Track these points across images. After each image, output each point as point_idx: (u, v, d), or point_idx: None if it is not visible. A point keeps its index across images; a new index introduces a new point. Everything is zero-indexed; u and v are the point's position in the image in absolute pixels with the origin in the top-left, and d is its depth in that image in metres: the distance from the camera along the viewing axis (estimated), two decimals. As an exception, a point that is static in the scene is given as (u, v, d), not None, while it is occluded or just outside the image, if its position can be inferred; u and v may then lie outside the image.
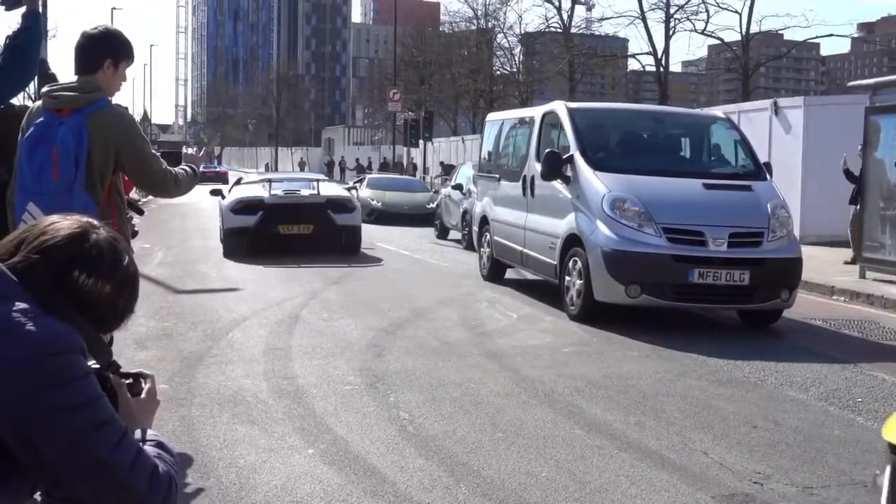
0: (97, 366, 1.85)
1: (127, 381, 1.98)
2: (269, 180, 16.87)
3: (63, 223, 1.90)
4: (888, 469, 2.93)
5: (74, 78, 4.26)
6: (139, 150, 4.14)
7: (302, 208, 15.39)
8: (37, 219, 3.91)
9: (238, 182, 18.77)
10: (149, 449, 1.81)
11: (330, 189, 17.06)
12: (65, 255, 1.84)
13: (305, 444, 5.28)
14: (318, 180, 17.63)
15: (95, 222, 1.95)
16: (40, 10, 3.83)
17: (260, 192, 15.82)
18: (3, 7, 3.82)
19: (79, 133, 4.05)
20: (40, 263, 1.82)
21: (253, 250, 14.74)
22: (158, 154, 4.31)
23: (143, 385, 2.00)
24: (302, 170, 72.10)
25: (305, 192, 15.85)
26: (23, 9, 3.81)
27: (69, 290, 1.83)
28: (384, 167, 46.44)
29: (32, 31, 3.76)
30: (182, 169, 4.35)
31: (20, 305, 1.73)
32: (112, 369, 1.94)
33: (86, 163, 4.04)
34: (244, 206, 15.31)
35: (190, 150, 4.45)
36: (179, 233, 20.79)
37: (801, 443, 5.53)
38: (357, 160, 48.04)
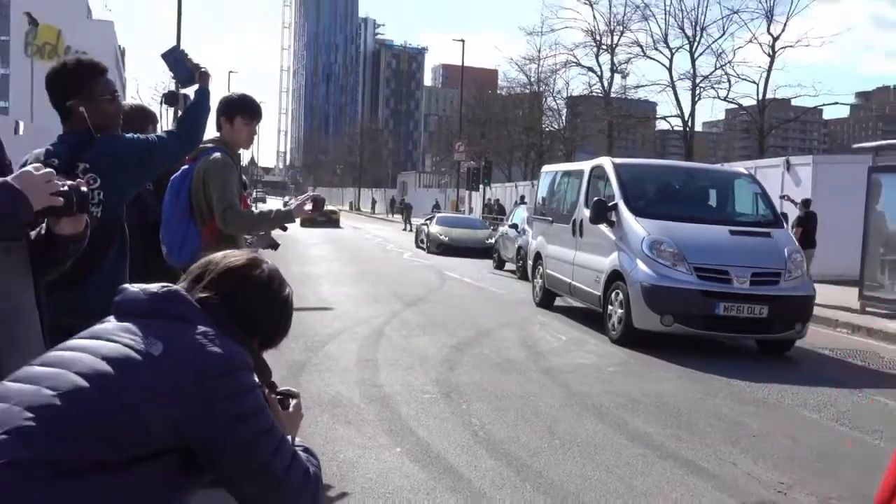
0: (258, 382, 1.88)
1: (279, 398, 2.01)
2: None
3: (239, 256, 1.95)
4: None
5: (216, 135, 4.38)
6: (213, 187, 4.07)
7: None
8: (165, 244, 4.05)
9: None
10: (300, 453, 1.83)
11: None
12: (235, 280, 1.89)
13: (393, 443, 5.28)
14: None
15: (262, 257, 1.99)
16: (209, 88, 3.91)
17: None
18: (178, 83, 3.89)
19: (185, 175, 4.15)
20: (218, 291, 1.86)
21: None
22: (256, 193, 4.31)
23: (290, 401, 2.03)
24: (373, 208, 72.29)
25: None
26: (195, 86, 3.88)
27: (240, 312, 1.86)
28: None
29: (202, 107, 3.82)
30: (281, 210, 4.39)
31: (201, 328, 1.75)
32: (269, 386, 1.97)
33: (186, 198, 4.13)
34: None
35: (293, 201, 4.42)
36: (278, 260, 20.99)
37: (818, 458, 5.41)
38: (436, 202, 48.08)
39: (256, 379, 1.81)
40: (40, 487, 1.55)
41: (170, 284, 1.85)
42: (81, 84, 3.13)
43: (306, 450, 1.88)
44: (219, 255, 1.97)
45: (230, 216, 4.05)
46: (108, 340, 1.74)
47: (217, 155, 4.16)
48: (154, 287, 1.83)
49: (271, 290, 1.95)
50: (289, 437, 1.87)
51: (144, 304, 1.80)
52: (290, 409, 2.01)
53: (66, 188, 2.09)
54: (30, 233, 2.21)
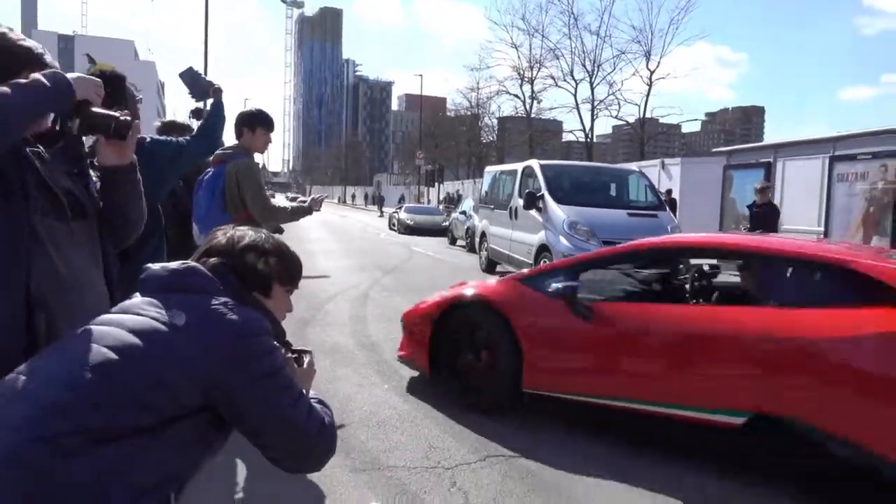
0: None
1: (294, 356, 1.69)
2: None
3: (236, 230, 1.65)
4: None
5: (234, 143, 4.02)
6: (247, 187, 3.77)
7: None
8: (202, 234, 3.68)
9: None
10: (315, 405, 1.53)
11: None
12: (237, 248, 1.58)
13: (382, 381, 4.98)
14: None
15: (255, 228, 1.69)
16: (223, 101, 3.54)
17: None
18: (194, 98, 3.49)
19: (218, 176, 3.82)
20: (224, 260, 1.56)
21: None
22: (267, 192, 4.00)
23: (304, 358, 1.72)
24: (353, 200, 71.04)
25: None
26: (210, 100, 3.52)
27: (248, 270, 1.57)
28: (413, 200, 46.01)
29: (219, 117, 3.49)
30: (296, 205, 4.04)
31: (220, 298, 1.45)
32: (285, 345, 1.66)
33: (220, 194, 3.80)
34: None
35: (303, 199, 4.12)
36: (284, 239, 20.43)
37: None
38: (402, 196, 47.66)
39: (274, 341, 1.49)
40: (77, 456, 1.22)
41: (188, 261, 1.54)
42: (123, 91, 2.75)
43: (320, 401, 1.58)
44: (217, 231, 1.65)
45: (268, 211, 3.78)
46: (134, 314, 1.41)
47: (245, 160, 3.85)
48: (174, 264, 1.51)
49: (270, 251, 1.64)
50: (304, 391, 1.58)
51: (166, 280, 1.48)
52: (305, 365, 1.70)
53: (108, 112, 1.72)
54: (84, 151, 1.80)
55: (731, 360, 3.26)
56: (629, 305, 3.89)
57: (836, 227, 10.50)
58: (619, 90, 36.26)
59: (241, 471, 3.28)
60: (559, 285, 3.89)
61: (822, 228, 11.37)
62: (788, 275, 3.60)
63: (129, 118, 1.75)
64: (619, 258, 4.20)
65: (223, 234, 1.63)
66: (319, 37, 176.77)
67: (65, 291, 1.60)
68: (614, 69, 38.67)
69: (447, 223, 22.31)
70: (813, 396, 3.00)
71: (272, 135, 4.05)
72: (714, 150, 17.53)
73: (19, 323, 1.52)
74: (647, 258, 4.33)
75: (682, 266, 4.70)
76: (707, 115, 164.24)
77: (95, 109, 1.70)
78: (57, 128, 1.73)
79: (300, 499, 3.06)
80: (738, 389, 3.22)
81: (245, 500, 3.04)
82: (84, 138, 1.81)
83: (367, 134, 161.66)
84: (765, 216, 9.02)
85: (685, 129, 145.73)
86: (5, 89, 1.50)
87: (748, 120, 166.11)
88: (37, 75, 1.57)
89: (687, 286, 4.29)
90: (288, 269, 1.68)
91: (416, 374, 5.15)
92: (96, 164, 1.83)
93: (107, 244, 1.83)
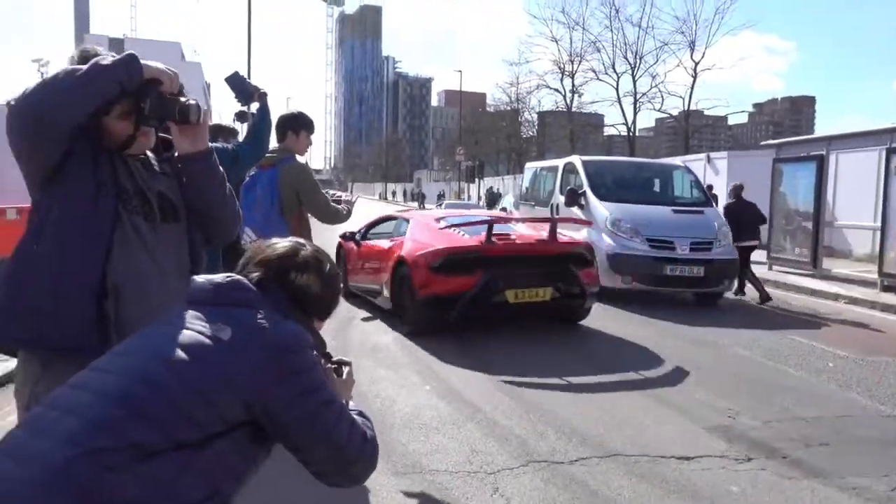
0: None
1: (333, 367, 1.68)
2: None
3: (280, 243, 1.61)
4: None
5: (276, 145, 4.04)
6: (308, 190, 3.86)
7: None
8: (252, 238, 3.70)
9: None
10: (356, 418, 1.51)
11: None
12: (283, 265, 1.55)
13: (423, 382, 4.97)
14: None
15: (302, 241, 1.65)
16: (268, 105, 3.59)
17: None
18: (240, 102, 3.55)
19: (272, 180, 3.85)
20: (268, 274, 1.53)
21: None
22: (325, 192, 4.03)
23: (343, 369, 1.70)
24: (393, 195, 70.52)
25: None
26: (256, 104, 3.56)
27: (291, 289, 1.54)
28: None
29: (266, 121, 3.54)
30: (342, 207, 4.07)
31: (264, 312, 1.44)
32: (325, 357, 1.64)
33: (278, 199, 3.84)
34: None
35: (346, 196, 4.15)
36: (337, 231, 20.64)
37: (755, 387, 5.06)
38: (441, 192, 47.63)
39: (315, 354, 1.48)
40: (123, 472, 1.22)
41: (232, 274, 1.52)
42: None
43: (360, 413, 1.56)
44: (265, 243, 1.63)
45: (328, 212, 3.88)
46: (179, 328, 1.41)
47: (295, 162, 3.90)
48: (219, 277, 1.50)
49: (316, 270, 1.61)
50: (345, 402, 1.56)
51: (211, 293, 1.47)
52: (344, 376, 1.68)
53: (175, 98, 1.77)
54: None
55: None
56: (369, 242, 7.96)
57: (894, 222, 10.06)
58: (662, 82, 35.70)
59: (283, 473, 3.31)
60: (356, 234, 8.26)
61: (878, 224, 10.91)
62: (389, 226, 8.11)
63: (196, 102, 1.79)
64: (377, 223, 8.34)
65: (269, 247, 1.62)
66: (360, 34, 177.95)
67: (138, 284, 1.70)
68: (657, 61, 38.20)
69: (488, 220, 22.27)
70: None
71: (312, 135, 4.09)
72: (762, 142, 16.99)
73: (91, 304, 1.66)
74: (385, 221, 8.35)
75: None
76: (754, 105, 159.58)
77: (164, 91, 1.74)
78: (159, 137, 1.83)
79: (340, 502, 3.07)
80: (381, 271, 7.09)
81: (286, 502, 3.06)
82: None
83: (407, 131, 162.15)
84: (739, 213, 9.26)
85: (731, 120, 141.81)
86: (71, 67, 1.62)
87: (798, 111, 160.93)
88: (106, 55, 1.70)
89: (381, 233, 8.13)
90: (333, 296, 1.66)
91: (457, 375, 5.13)
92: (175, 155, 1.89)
93: (198, 248, 1.90)
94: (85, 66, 1.61)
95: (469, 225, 6.83)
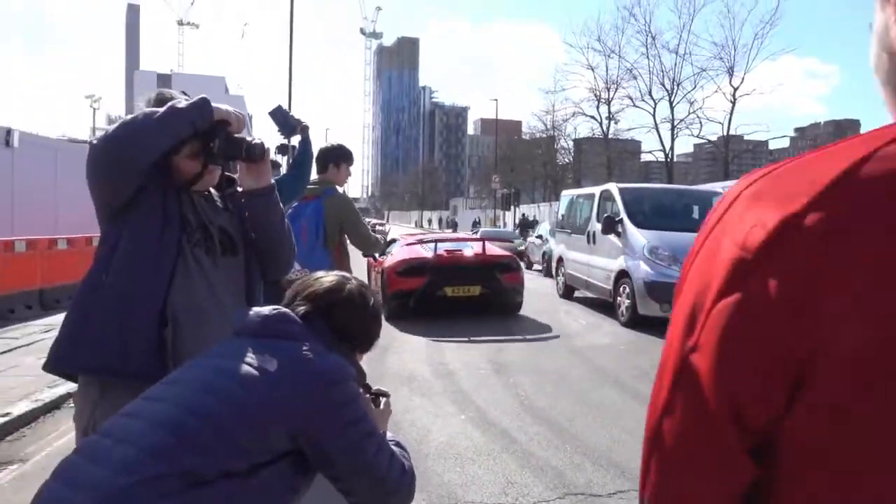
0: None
1: (371, 396, 1.73)
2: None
3: (326, 278, 1.67)
4: None
5: (316, 176, 4.14)
6: (353, 221, 3.95)
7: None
8: (297, 269, 3.77)
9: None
10: (395, 449, 1.55)
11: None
12: (330, 299, 1.61)
13: (459, 411, 4.98)
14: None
15: (348, 275, 1.71)
16: (310, 138, 3.68)
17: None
18: (282, 135, 3.64)
19: (318, 212, 3.91)
20: (314, 308, 1.59)
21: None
22: (365, 222, 4.12)
23: (381, 400, 1.75)
24: (429, 224, 70.90)
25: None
26: (298, 137, 3.65)
27: (335, 322, 1.59)
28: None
29: (308, 154, 3.62)
30: (377, 237, 4.15)
31: (309, 345, 1.49)
32: (365, 388, 1.69)
33: (323, 230, 3.91)
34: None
35: (379, 227, 4.25)
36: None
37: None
38: (476, 220, 47.80)
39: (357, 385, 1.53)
40: (175, 499, 1.29)
41: (279, 307, 1.59)
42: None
43: (398, 444, 1.61)
44: (311, 277, 1.69)
45: (370, 243, 4.03)
46: (228, 359, 1.48)
47: (338, 193, 4.00)
48: (266, 310, 1.56)
49: (360, 305, 1.66)
50: (383, 432, 1.59)
51: (258, 325, 1.53)
52: (382, 406, 1.73)
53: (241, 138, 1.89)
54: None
55: None
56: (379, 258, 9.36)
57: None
58: (700, 108, 35.16)
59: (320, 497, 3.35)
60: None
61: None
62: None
63: (261, 142, 1.89)
64: (388, 244, 9.00)
65: (317, 281, 1.68)
66: (397, 66, 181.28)
67: (197, 315, 1.77)
68: (695, 87, 37.58)
69: (523, 247, 22.18)
70: None
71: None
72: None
73: (152, 330, 1.72)
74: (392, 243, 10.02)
75: None
76: (796, 130, 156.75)
77: (231, 132, 1.85)
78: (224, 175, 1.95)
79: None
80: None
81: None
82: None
83: (443, 159, 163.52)
84: None
85: (772, 145, 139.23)
86: (149, 110, 1.75)
87: (842, 134, 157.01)
88: (180, 98, 1.83)
89: None
90: (376, 330, 1.71)
91: (493, 404, 5.13)
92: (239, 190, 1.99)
93: (255, 281, 1.98)
94: (162, 109, 1.72)
95: (430, 242, 9.69)
